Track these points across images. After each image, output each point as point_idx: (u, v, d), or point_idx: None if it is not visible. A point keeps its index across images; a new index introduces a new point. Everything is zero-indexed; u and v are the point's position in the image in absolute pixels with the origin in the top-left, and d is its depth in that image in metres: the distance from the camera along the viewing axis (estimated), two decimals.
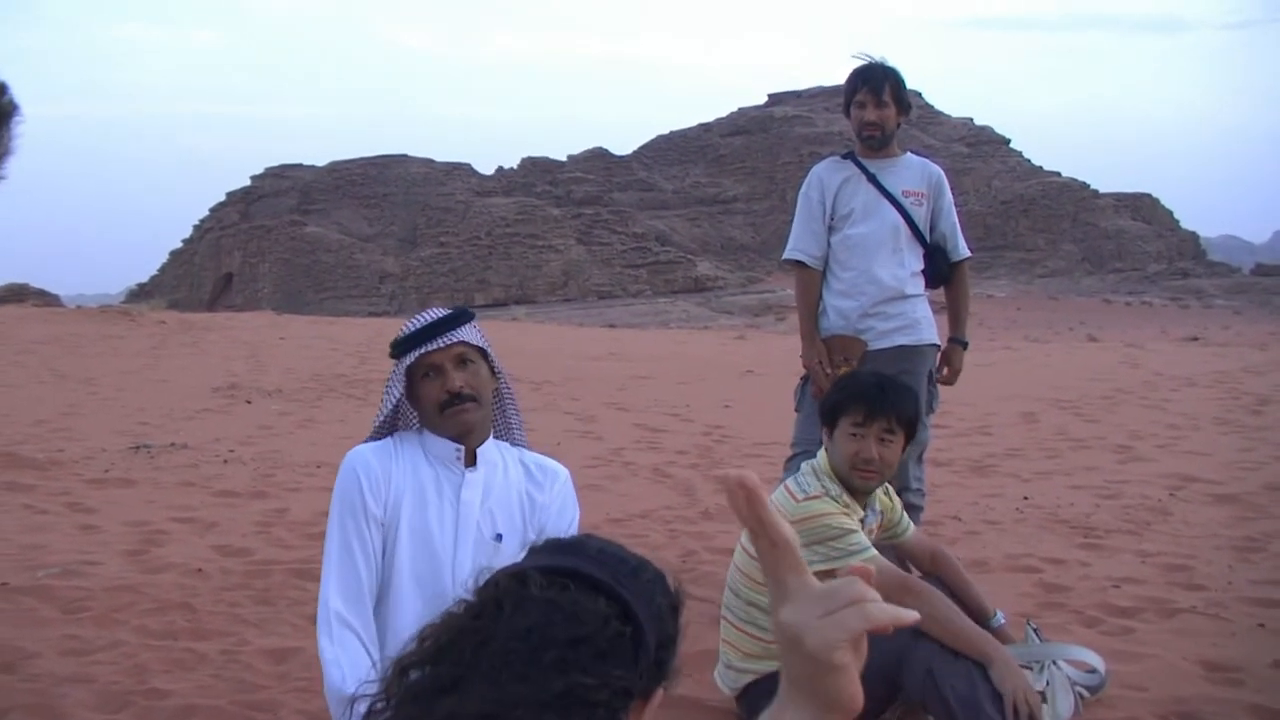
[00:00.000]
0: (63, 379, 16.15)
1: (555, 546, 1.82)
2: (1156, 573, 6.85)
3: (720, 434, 12.70)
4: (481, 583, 1.76)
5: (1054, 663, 4.22)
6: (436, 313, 3.48)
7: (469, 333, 3.45)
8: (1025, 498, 9.10)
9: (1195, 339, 41.32)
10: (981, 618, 4.34)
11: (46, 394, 14.52)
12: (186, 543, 7.28)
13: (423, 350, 3.40)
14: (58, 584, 6.17)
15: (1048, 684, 4.09)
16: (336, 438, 11.18)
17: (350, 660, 3.25)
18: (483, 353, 3.49)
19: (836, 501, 4.23)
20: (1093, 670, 4.47)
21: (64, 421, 12.20)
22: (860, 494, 4.36)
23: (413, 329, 3.45)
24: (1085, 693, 4.40)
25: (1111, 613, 6.04)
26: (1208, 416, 14.21)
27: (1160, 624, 5.86)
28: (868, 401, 4.30)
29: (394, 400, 3.51)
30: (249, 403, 14.53)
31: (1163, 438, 12.45)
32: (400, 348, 3.46)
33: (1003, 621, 4.41)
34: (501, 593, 1.68)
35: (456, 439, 3.47)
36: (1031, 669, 4.08)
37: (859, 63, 6.18)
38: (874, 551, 4.15)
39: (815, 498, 4.23)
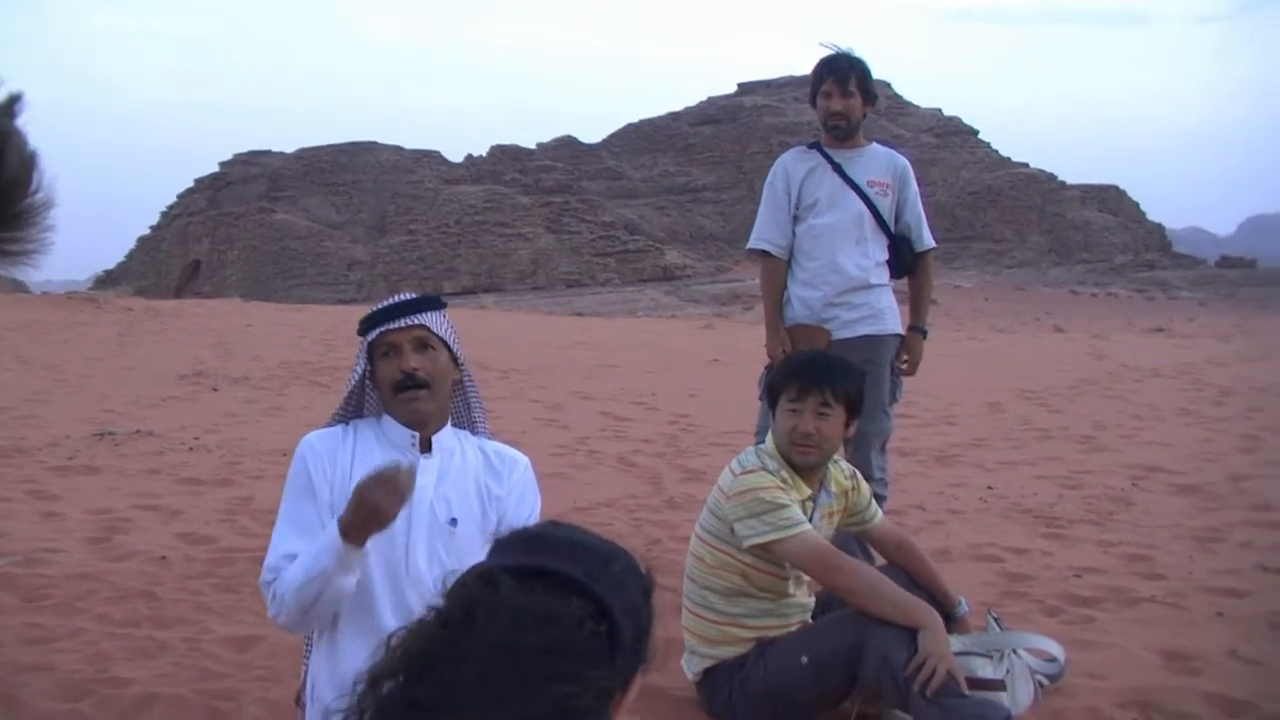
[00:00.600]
0: (28, 365, 16.06)
1: (523, 540, 1.80)
2: (1118, 562, 6.90)
3: (686, 423, 12.72)
4: (449, 584, 1.74)
5: (1014, 651, 4.24)
6: (408, 295, 3.51)
7: (433, 319, 3.46)
8: (989, 487, 9.15)
9: (1160, 330, 41.54)
10: (946, 606, 4.38)
11: (11, 381, 14.45)
12: (150, 530, 7.26)
13: (383, 329, 3.43)
14: (19, 572, 6.15)
15: (1008, 672, 4.12)
16: (303, 425, 10.95)
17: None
18: (445, 343, 3.49)
19: (774, 476, 4.24)
20: (1053, 659, 4.51)
21: (28, 408, 12.13)
22: (806, 471, 4.37)
23: (380, 307, 3.49)
24: (1045, 681, 4.43)
25: (1073, 602, 6.08)
26: (1171, 407, 14.32)
27: (1120, 613, 5.90)
28: (802, 376, 4.35)
29: (358, 376, 3.53)
30: (215, 390, 14.48)
31: (1126, 428, 12.54)
32: (366, 324, 3.48)
33: (966, 610, 4.44)
34: (471, 599, 1.66)
35: (411, 425, 3.49)
36: (992, 658, 4.11)
37: (826, 53, 6.19)
38: (808, 526, 4.17)
39: (751, 471, 4.26)
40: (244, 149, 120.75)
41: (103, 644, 5.16)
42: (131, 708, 4.48)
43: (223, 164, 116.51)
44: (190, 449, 10.04)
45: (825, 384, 4.33)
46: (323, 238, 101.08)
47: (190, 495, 8.29)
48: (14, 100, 1.20)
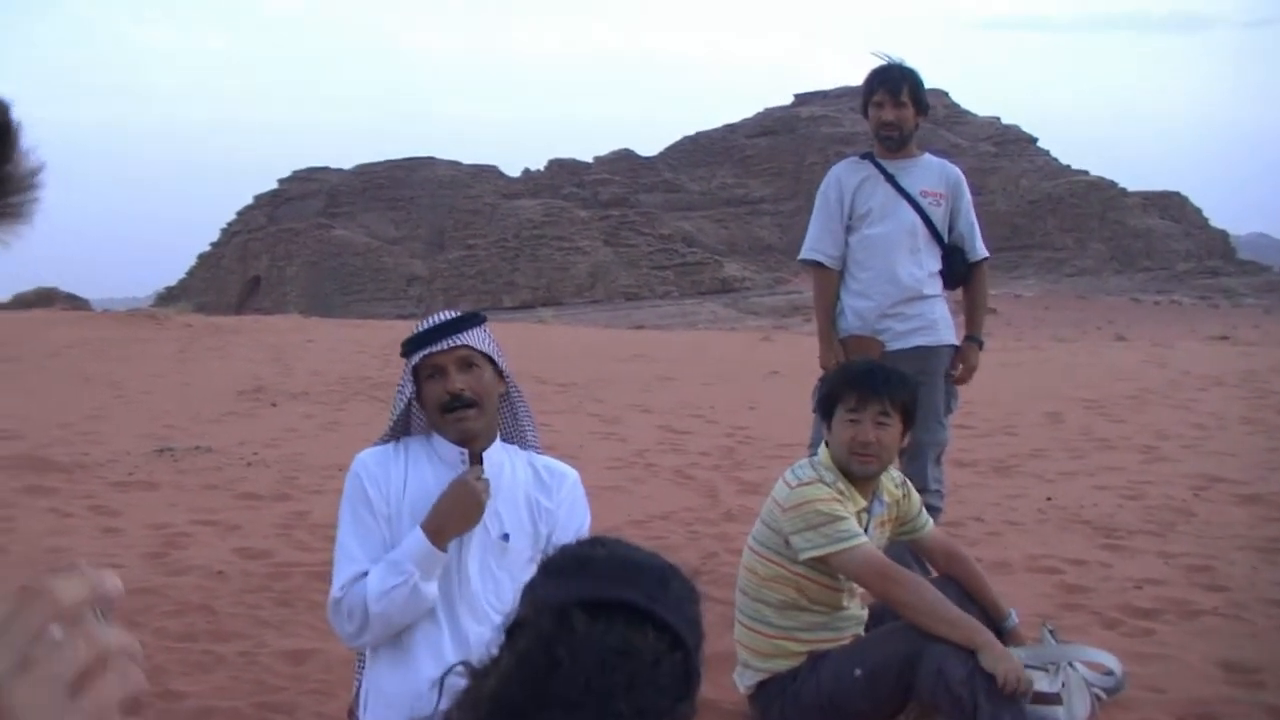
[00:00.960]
0: (89, 382, 16.20)
1: (577, 563, 1.78)
2: (1179, 574, 6.82)
3: (744, 435, 12.68)
4: (517, 618, 1.74)
5: (1070, 664, 4.19)
6: (447, 314, 3.51)
7: (475, 336, 3.46)
8: (1048, 498, 9.06)
9: (1224, 338, 41.09)
10: (996, 618, 4.33)
11: (73, 397, 14.58)
12: (208, 545, 7.32)
13: (427, 351, 3.43)
14: None
15: (1064, 685, 4.07)
16: (361, 440, 11.00)
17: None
18: (489, 358, 3.50)
19: (830, 488, 4.22)
20: (1110, 672, 4.44)
21: (89, 425, 12.25)
22: (861, 481, 4.35)
23: (422, 329, 3.48)
24: (1102, 695, 4.37)
25: (1132, 614, 6.02)
26: (1235, 416, 14.11)
27: (1181, 625, 5.84)
28: (861, 386, 4.31)
29: (405, 400, 3.54)
30: (274, 406, 14.56)
31: (1188, 438, 12.37)
32: (408, 347, 3.49)
33: (1016, 623, 4.40)
34: (548, 638, 1.64)
35: (459, 443, 3.49)
36: (1047, 670, 4.06)
37: (878, 63, 6.17)
38: (865, 539, 4.15)
39: (808, 483, 4.23)
40: (302, 166, 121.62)
41: (160, 658, 5.19)
42: None
43: (281, 181, 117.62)
44: (248, 464, 10.10)
45: (884, 393, 4.30)
46: (381, 253, 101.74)
47: (248, 510, 8.34)
48: None
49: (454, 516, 3.31)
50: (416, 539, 3.29)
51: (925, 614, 3.91)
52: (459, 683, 1.75)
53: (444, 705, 1.80)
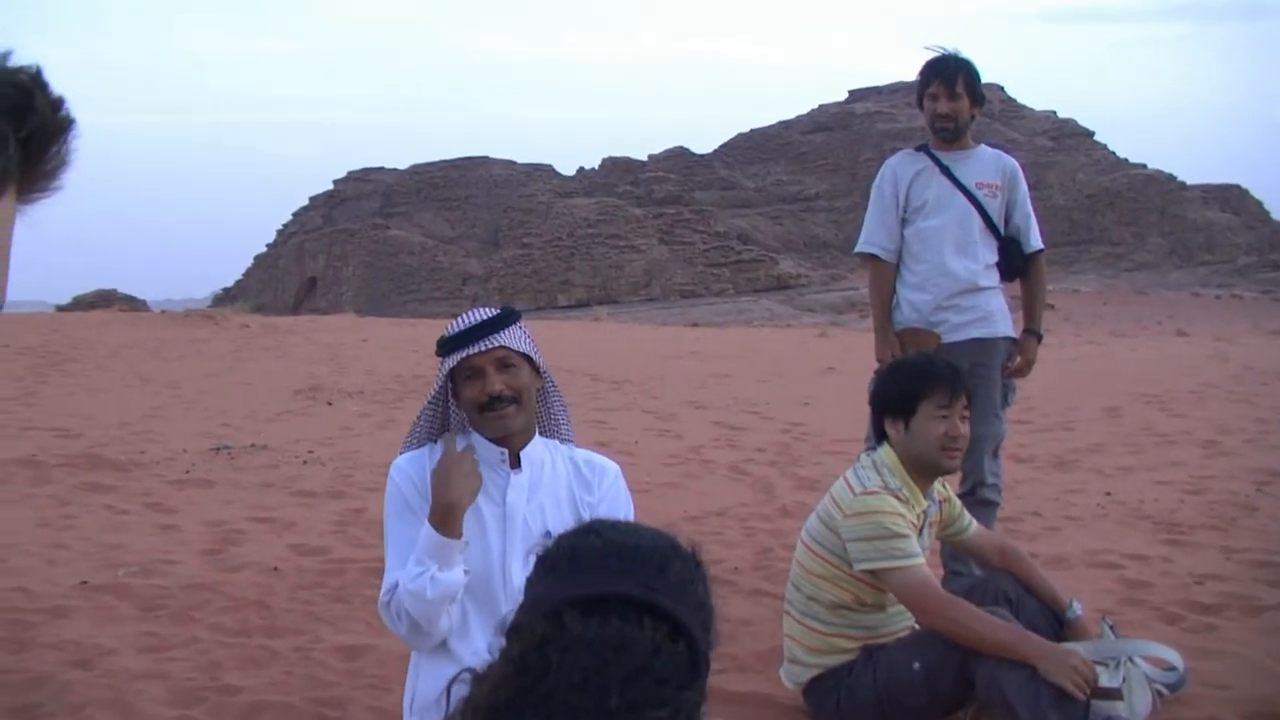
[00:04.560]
0: (147, 382, 16.31)
1: (570, 558, 1.75)
2: (1242, 569, 6.73)
3: (799, 431, 12.64)
4: (513, 622, 1.71)
5: (1131, 659, 4.13)
6: (482, 313, 3.48)
7: (512, 335, 3.44)
8: (1107, 493, 8.98)
9: None
10: (1057, 610, 4.29)
11: (131, 397, 14.68)
12: (264, 542, 7.34)
13: (464, 354, 3.41)
14: (136, 582, 6.25)
15: (1124, 680, 4.00)
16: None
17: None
18: (526, 356, 3.48)
19: (896, 497, 4.18)
20: (1172, 668, 4.37)
21: (147, 424, 12.32)
22: (926, 481, 4.32)
23: (456, 330, 3.46)
24: (1164, 690, 4.30)
25: (1194, 609, 5.94)
26: None
27: (1245, 621, 5.76)
28: (949, 381, 4.30)
29: (431, 396, 3.56)
30: (330, 404, 14.62)
31: (1251, 432, 12.24)
32: (444, 348, 3.47)
33: (1079, 613, 4.33)
34: (542, 640, 1.62)
35: (499, 441, 3.49)
36: (1108, 666, 4.00)
37: (932, 55, 6.11)
38: (921, 560, 4.12)
39: (873, 493, 4.18)
40: (357, 166, 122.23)
41: (215, 653, 5.23)
42: (242, 714, 4.55)
43: (337, 182, 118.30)
44: (304, 462, 10.14)
45: (964, 387, 4.33)
46: (436, 253, 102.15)
47: (303, 507, 8.37)
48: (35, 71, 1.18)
49: (450, 494, 3.30)
50: (425, 533, 3.30)
51: (969, 641, 3.86)
52: (464, 690, 1.73)
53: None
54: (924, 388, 4.32)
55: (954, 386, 4.28)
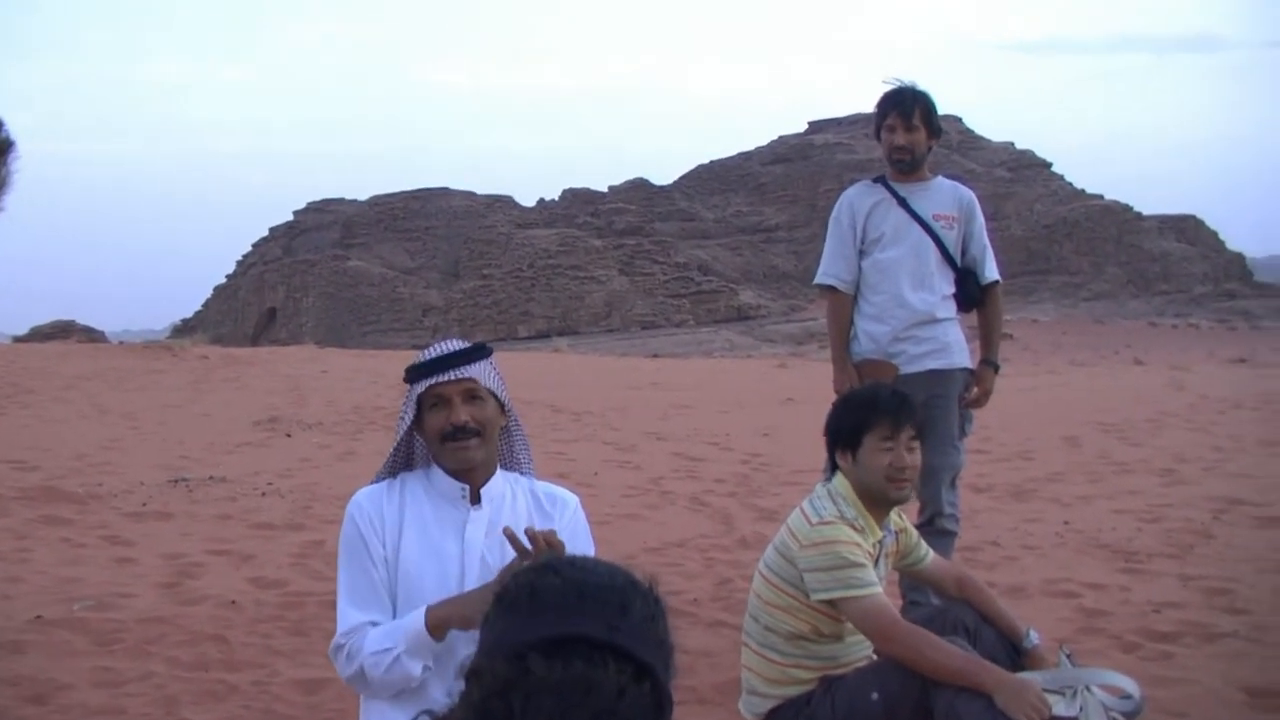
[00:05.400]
0: (105, 413, 16.21)
1: (530, 596, 1.72)
2: (1198, 597, 6.78)
3: (759, 462, 12.66)
4: (473, 665, 1.69)
5: (1088, 688, 4.15)
6: (455, 344, 3.48)
7: (482, 369, 3.45)
8: (1066, 522, 9.03)
9: (1242, 361, 40.98)
10: (1014, 638, 4.30)
11: (89, 429, 14.59)
12: (222, 575, 7.30)
13: (433, 381, 3.40)
14: (92, 616, 6.20)
15: (1081, 709, 4.02)
16: (375, 470, 11.01)
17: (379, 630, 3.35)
18: (493, 392, 3.48)
19: (852, 526, 4.19)
20: (1128, 696, 4.39)
21: (104, 455, 12.24)
22: (880, 511, 4.32)
23: (428, 357, 3.46)
24: (1121, 719, 4.32)
25: (1152, 638, 5.98)
26: (1254, 438, 14.08)
27: (1202, 649, 5.80)
28: (893, 413, 4.29)
29: (405, 427, 3.52)
30: (289, 436, 14.55)
31: (1207, 460, 12.33)
32: (413, 374, 3.46)
33: (1036, 642, 4.35)
34: (505, 684, 1.59)
35: (459, 475, 3.48)
36: (1064, 695, 4.02)
37: (889, 87, 6.16)
38: (879, 589, 4.12)
39: (829, 523, 4.19)
40: (317, 197, 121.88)
41: (172, 687, 5.19)
42: None
43: (297, 212, 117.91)
44: (263, 494, 10.08)
45: (911, 418, 4.32)
46: (397, 284, 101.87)
47: (262, 540, 8.32)
48: None
49: (469, 614, 3.19)
50: (415, 619, 3.27)
51: (927, 670, 3.87)
52: None
53: None
54: (868, 419, 4.33)
55: (897, 418, 4.28)
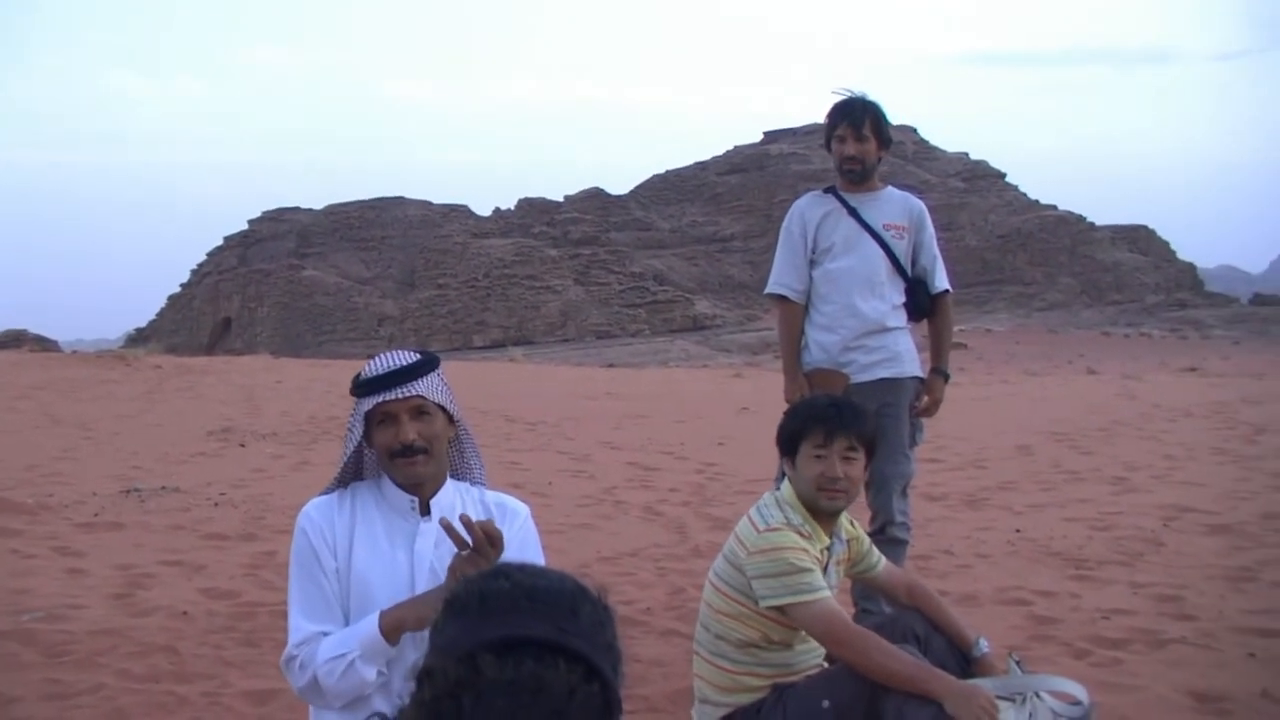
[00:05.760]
0: (57, 423, 16.09)
1: (480, 599, 1.73)
2: (1148, 604, 6.83)
3: (713, 471, 12.68)
4: (425, 666, 1.70)
5: (1037, 694, 4.18)
6: (402, 358, 3.45)
7: (429, 384, 3.43)
8: (1017, 530, 9.08)
9: (1193, 370, 41.34)
10: (963, 646, 4.32)
11: (40, 439, 14.47)
12: (173, 586, 7.25)
13: (379, 399, 3.39)
14: (41, 628, 6.15)
15: (1031, 716, 4.05)
16: (329, 480, 10.95)
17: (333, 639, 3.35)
18: (441, 405, 3.48)
19: (799, 533, 4.20)
20: (1077, 702, 4.42)
21: (56, 466, 12.15)
22: (827, 518, 4.33)
23: (374, 373, 3.43)
24: None
25: (1101, 644, 6.02)
26: (1204, 446, 14.21)
27: (1150, 655, 5.84)
28: (826, 422, 4.29)
29: (355, 442, 3.51)
30: (243, 446, 14.47)
31: (1158, 468, 12.43)
32: (361, 389, 3.45)
33: (986, 650, 4.38)
34: (456, 684, 1.61)
35: (408, 488, 3.48)
36: (1014, 701, 4.04)
37: (840, 98, 6.18)
38: (828, 593, 4.13)
39: (776, 529, 4.20)
40: (272, 206, 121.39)
41: (122, 699, 5.16)
42: None
43: (252, 222, 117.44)
44: (215, 504, 10.03)
45: (850, 428, 4.29)
46: (352, 293, 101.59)
47: (214, 550, 8.27)
48: None
49: (426, 615, 3.13)
50: (369, 624, 3.28)
51: (877, 675, 3.88)
52: None
53: None
54: (803, 428, 4.35)
55: (831, 427, 4.28)
